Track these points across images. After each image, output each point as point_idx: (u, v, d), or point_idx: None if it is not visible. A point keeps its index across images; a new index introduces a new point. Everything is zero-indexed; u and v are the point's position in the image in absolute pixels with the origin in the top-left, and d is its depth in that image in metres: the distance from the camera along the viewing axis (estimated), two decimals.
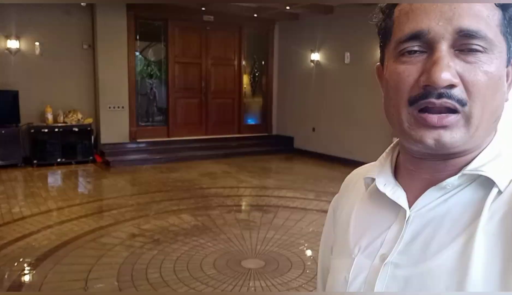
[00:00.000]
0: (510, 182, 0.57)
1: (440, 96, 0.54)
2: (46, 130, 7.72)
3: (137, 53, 8.89)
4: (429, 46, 0.55)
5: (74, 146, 7.97)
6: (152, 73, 9.37)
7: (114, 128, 8.37)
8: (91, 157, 8.09)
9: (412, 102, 0.56)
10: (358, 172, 0.80)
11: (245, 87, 10.10)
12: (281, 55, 9.99)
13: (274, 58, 10.07)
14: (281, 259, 3.77)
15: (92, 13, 8.21)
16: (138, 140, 8.61)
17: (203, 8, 8.54)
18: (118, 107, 8.38)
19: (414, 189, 0.63)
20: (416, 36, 0.56)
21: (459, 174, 0.58)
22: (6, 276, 3.39)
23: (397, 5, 0.60)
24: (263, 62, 10.25)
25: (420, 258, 0.58)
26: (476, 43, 0.54)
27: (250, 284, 3.35)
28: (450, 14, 0.54)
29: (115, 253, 3.90)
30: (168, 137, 9.02)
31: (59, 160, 7.81)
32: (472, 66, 0.54)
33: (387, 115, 0.62)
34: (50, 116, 7.84)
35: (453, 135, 0.55)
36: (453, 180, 0.58)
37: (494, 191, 0.56)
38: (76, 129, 7.97)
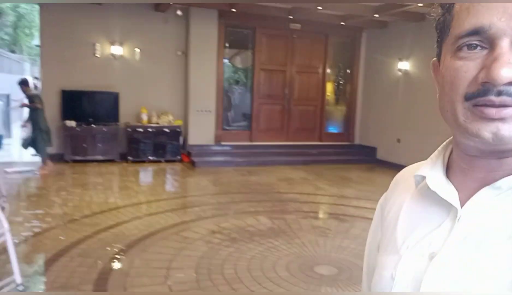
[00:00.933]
0: None
1: (499, 93, 0.52)
2: (140, 130, 8.39)
3: (225, 60, 9.31)
4: (489, 42, 0.53)
5: (164, 145, 8.56)
6: (238, 79, 9.74)
7: (201, 130, 8.84)
8: (178, 157, 8.63)
9: (469, 98, 0.55)
10: (409, 170, 0.77)
11: (328, 95, 10.07)
12: (367, 63, 9.80)
13: (360, 66, 9.91)
14: (354, 268, 3.73)
15: (187, 22, 8.77)
16: (222, 143, 9.00)
17: (290, 17, 8.70)
18: (206, 111, 8.84)
19: (466, 188, 0.61)
20: (476, 32, 0.54)
21: None
22: (99, 259, 3.77)
23: None
24: (348, 70, 10.15)
25: (471, 258, 0.56)
26: None
27: (322, 290, 3.37)
28: None
29: (195, 247, 4.15)
30: (251, 141, 9.29)
31: (150, 157, 8.45)
32: None
33: (442, 112, 0.61)
34: (145, 117, 8.51)
35: (511, 128, 0.53)
36: (508, 180, 0.56)
37: None
38: (167, 130, 8.55)
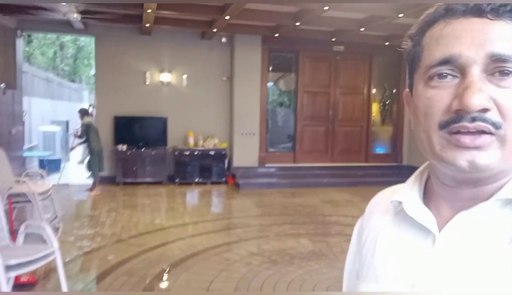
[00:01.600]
0: None
1: (473, 119, 0.53)
2: (187, 153, 8.66)
3: (270, 84, 9.46)
4: (460, 71, 0.55)
5: (210, 168, 8.76)
6: (282, 102, 9.84)
7: (246, 153, 8.97)
8: (224, 179, 8.79)
9: (443, 126, 0.55)
10: (385, 194, 0.77)
11: (374, 116, 9.91)
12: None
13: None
14: None
15: (232, 48, 9.04)
16: (266, 165, 9.07)
17: (333, 39, 8.74)
18: (250, 134, 8.99)
19: (444, 213, 0.61)
20: (447, 61, 0.55)
21: (492, 199, 0.56)
22: (143, 279, 3.90)
23: (427, 32, 0.60)
24: (394, 90, 9.96)
25: (451, 285, 0.56)
26: (509, 67, 0.53)
27: None
28: (482, 39, 0.54)
29: (235, 268, 4.19)
30: (294, 163, 9.29)
31: (196, 180, 8.66)
32: (506, 91, 0.53)
33: (417, 142, 0.61)
34: (191, 140, 8.78)
35: (487, 156, 0.53)
36: (485, 205, 0.56)
37: None
38: (212, 153, 8.75)
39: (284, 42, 8.88)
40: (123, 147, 8.48)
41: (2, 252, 2.96)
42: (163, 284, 3.81)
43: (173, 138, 8.87)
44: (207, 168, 8.74)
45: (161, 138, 8.78)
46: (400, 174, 9.38)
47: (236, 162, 8.96)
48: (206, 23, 8.12)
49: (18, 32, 8.29)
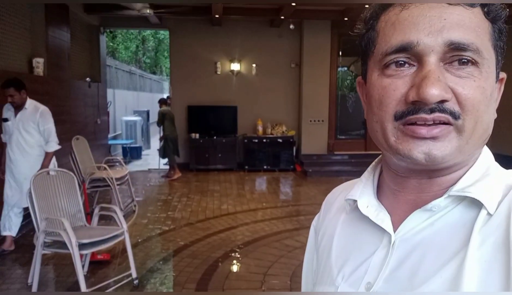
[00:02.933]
0: (499, 204, 0.52)
1: (432, 111, 0.51)
2: (256, 141, 8.82)
3: (341, 69, 9.25)
4: (417, 59, 0.52)
5: (278, 155, 8.84)
6: (354, 87, 9.57)
7: (314, 140, 8.92)
8: (292, 166, 8.83)
9: (399, 117, 0.53)
10: (340, 190, 0.75)
11: None
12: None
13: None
14: None
15: (300, 35, 8.97)
16: (335, 152, 8.94)
17: None
18: (319, 121, 8.90)
19: (398, 211, 0.59)
20: (404, 48, 0.52)
21: (445, 195, 0.54)
22: (205, 261, 4.10)
23: (382, 16, 0.57)
24: None
25: (408, 287, 0.54)
26: (468, 56, 0.51)
27: None
28: (440, 26, 0.51)
29: (294, 255, 4.24)
30: (366, 150, 9.04)
31: (265, 167, 8.81)
32: (464, 80, 0.51)
33: (371, 132, 0.59)
34: (260, 128, 8.92)
35: (444, 147, 0.51)
36: (439, 202, 0.54)
37: (483, 213, 0.52)
38: (281, 140, 8.82)
39: (353, 25, 8.57)
40: (196, 135, 8.86)
41: (77, 232, 3.30)
42: (223, 268, 3.98)
43: (243, 126, 9.08)
44: (275, 155, 8.84)
45: (232, 126, 9.03)
46: None
47: (305, 150, 8.94)
48: (273, 11, 8.13)
49: (101, 28, 8.97)
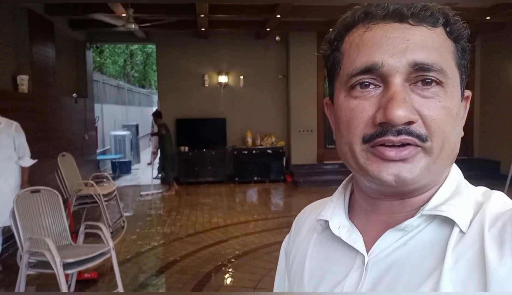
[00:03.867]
0: (471, 222, 0.52)
1: (399, 133, 0.50)
2: (246, 152, 8.81)
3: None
4: (383, 80, 0.52)
5: (269, 166, 8.83)
6: None
7: (304, 150, 8.93)
8: (282, 177, 8.82)
9: (367, 140, 0.53)
10: (310, 209, 0.74)
11: None
12: (484, 70, 8.91)
13: (476, 73, 9.05)
14: None
15: (287, 46, 9.03)
16: (325, 162, 8.95)
17: None
18: (307, 131, 8.92)
19: (371, 231, 0.59)
20: (368, 69, 0.52)
21: (418, 215, 0.54)
22: (194, 277, 4.05)
23: (346, 37, 0.57)
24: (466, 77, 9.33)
25: None
26: (432, 76, 0.51)
27: None
28: (403, 47, 0.51)
29: None
30: None
31: (255, 178, 8.79)
32: (429, 101, 0.51)
33: (340, 154, 0.58)
34: (249, 140, 8.92)
35: (413, 168, 0.51)
36: (411, 222, 0.54)
37: (456, 231, 0.52)
38: (270, 151, 8.82)
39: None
40: (185, 149, 8.83)
41: (63, 251, 3.24)
42: (213, 282, 3.93)
43: (232, 138, 9.07)
44: (265, 166, 8.82)
45: (221, 138, 9.01)
46: (470, 167, 8.80)
47: (294, 160, 8.95)
48: (259, 23, 8.18)
49: (87, 44, 8.95)
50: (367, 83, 0.53)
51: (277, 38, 8.57)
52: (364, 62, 0.53)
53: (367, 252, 0.57)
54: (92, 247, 3.48)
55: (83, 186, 5.55)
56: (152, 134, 8.91)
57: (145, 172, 10.80)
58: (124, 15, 6.57)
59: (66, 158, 5.66)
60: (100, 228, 3.46)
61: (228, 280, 3.96)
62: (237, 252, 4.66)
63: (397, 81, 0.51)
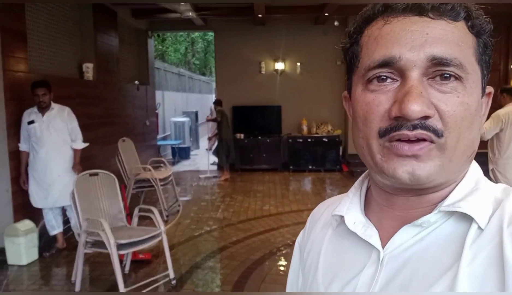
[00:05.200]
0: (490, 219, 0.52)
1: (414, 127, 0.50)
2: (301, 140, 8.71)
3: None
4: (400, 74, 0.52)
5: (324, 155, 8.68)
6: None
7: None
8: (338, 166, 8.63)
9: (383, 134, 0.53)
10: (326, 205, 0.74)
11: None
12: None
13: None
14: None
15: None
16: None
17: None
18: None
19: (387, 226, 0.59)
20: (386, 63, 0.52)
21: (435, 211, 0.53)
22: (242, 263, 4.09)
23: (365, 30, 0.57)
24: None
25: None
26: (451, 71, 0.50)
27: None
28: (422, 41, 0.51)
29: None
30: None
31: (310, 167, 8.68)
32: (447, 96, 0.51)
33: (356, 147, 0.59)
34: (305, 128, 8.81)
35: (428, 166, 0.51)
36: (429, 218, 0.54)
37: (474, 227, 0.51)
38: (326, 140, 8.65)
39: None
40: (241, 136, 8.90)
41: (117, 232, 3.39)
42: (261, 270, 3.94)
43: (288, 126, 9.01)
44: (321, 155, 8.68)
45: (276, 126, 8.98)
46: None
47: (351, 149, 8.71)
48: (317, 8, 7.98)
49: (149, 32, 9.24)
50: (385, 77, 0.53)
51: (336, 23, 8.32)
52: (382, 55, 0.52)
53: (383, 247, 0.57)
54: (145, 229, 3.61)
55: (142, 170, 5.78)
56: (208, 120, 9.07)
57: (203, 158, 11.04)
58: (182, 3, 6.69)
59: (126, 143, 5.92)
60: (152, 212, 3.58)
61: (275, 269, 3.95)
62: (287, 241, 4.64)
63: (415, 75, 0.51)
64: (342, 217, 0.63)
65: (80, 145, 4.44)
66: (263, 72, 9.13)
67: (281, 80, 9.12)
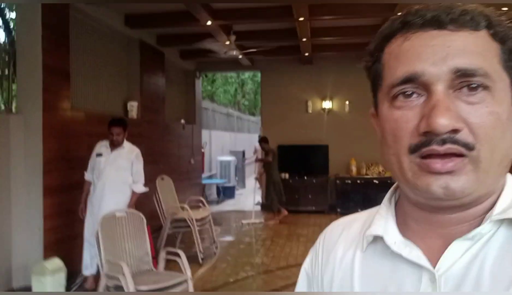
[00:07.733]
0: None
1: (444, 142, 0.49)
2: (349, 181, 8.26)
3: None
4: (425, 89, 0.51)
5: (375, 197, 8.09)
6: None
7: None
8: None
9: (413, 150, 0.51)
10: (340, 227, 0.69)
11: None
12: None
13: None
14: None
15: None
16: None
17: None
18: None
19: (429, 245, 0.55)
20: (409, 79, 0.51)
21: (487, 221, 0.51)
22: None
23: (386, 48, 0.56)
24: None
25: None
26: (477, 81, 0.49)
27: None
28: (444, 54, 0.50)
29: None
30: None
31: (359, 209, 8.07)
32: (475, 107, 0.50)
33: (386, 165, 0.57)
34: (354, 168, 8.37)
35: (461, 180, 0.49)
36: (480, 230, 0.51)
37: None
38: (377, 182, 8.14)
39: None
40: (285, 175, 8.60)
41: (140, 277, 3.17)
42: None
43: (335, 166, 8.61)
44: (371, 198, 8.12)
45: (323, 166, 8.62)
46: None
47: None
48: (366, 45, 7.69)
49: (197, 73, 9.38)
50: (410, 92, 0.52)
51: None
52: (405, 72, 0.52)
53: (434, 267, 0.53)
54: (171, 274, 3.37)
55: (179, 209, 5.61)
56: (257, 160, 8.81)
57: (249, 197, 10.78)
58: (227, 43, 6.70)
59: (165, 181, 5.82)
60: (179, 255, 3.34)
61: None
62: None
63: (440, 88, 0.50)
64: (374, 237, 0.60)
65: (141, 188, 4.34)
66: (310, 111, 8.90)
67: (329, 119, 8.82)
